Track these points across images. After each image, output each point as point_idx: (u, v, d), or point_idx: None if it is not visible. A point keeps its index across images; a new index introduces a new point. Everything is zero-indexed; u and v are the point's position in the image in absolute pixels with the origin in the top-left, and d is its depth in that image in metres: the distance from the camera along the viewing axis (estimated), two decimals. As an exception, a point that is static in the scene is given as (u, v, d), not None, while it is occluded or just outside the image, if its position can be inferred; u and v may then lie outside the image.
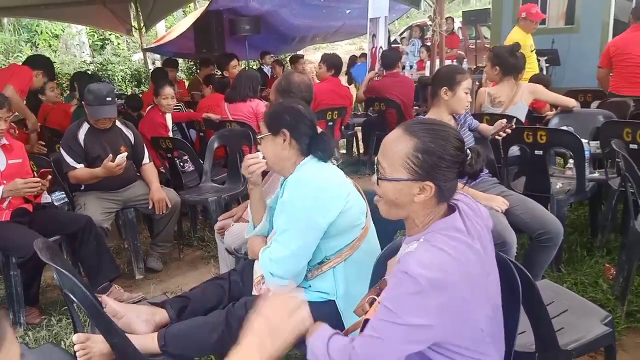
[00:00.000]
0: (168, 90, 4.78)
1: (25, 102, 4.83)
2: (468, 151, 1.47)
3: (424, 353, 1.46)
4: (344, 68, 8.70)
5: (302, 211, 2.00)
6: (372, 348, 1.42)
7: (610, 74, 5.11)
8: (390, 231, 2.29)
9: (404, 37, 13.07)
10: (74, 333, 2.12)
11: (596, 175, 3.60)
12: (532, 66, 5.49)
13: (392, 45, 10.60)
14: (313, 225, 2.00)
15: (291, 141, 2.12)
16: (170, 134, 4.92)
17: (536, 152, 3.33)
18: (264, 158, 2.21)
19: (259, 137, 2.19)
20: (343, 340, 1.51)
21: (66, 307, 2.53)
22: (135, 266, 3.91)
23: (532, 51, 5.49)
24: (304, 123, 2.15)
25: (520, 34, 5.42)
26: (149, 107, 5.07)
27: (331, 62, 5.74)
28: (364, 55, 9.33)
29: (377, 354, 1.42)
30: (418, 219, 1.50)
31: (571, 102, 4.16)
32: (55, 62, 13.50)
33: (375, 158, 1.53)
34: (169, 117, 4.94)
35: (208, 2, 7.68)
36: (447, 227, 1.44)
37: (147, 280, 3.87)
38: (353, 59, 10.75)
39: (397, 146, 1.46)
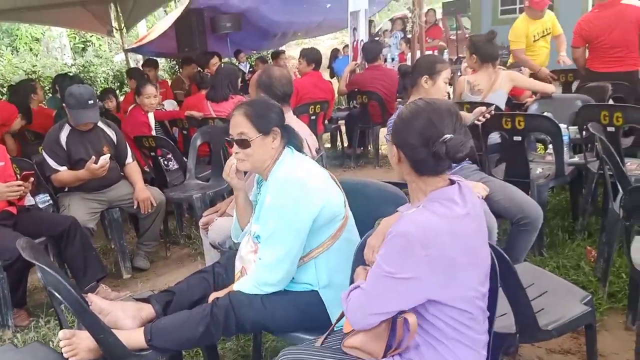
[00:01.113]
0: (150, 89, 4.77)
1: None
2: (445, 134, 1.50)
3: (420, 314, 1.52)
4: (327, 62, 8.67)
5: (293, 212, 1.98)
6: (360, 299, 1.54)
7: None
8: (369, 220, 2.31)
9: (386, 30, 13.07)
10: (61, 331, 2.12)
11: (575, 159, 3.64)
12: (535, 56, 5.35)
13: (374, 38, 10.60)
14: (303, 224, 1.99)
15: (281, 139, 2.12)
16: (154, 133, 4.90)
17: (515, 138, 3.36)
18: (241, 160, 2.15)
19: (250, 140, 2.06)
20: (353, 292, 1.61)
21: (53, 308, 2.53)
22: (122, 265, 3.91)
23: (535, 40, 5.34)
24: (283, 117, 2.17)
25: (523, 21, 5.35)
26: (131, 106, 5.05)
27: (310, 57, 5.74)
28: (347, 47, 9.31)
29: (365, 305, 1.53)
30: (410, 187, 1.63)
31: (549, 88, 4.20)
32: (36, 66, 13.49)
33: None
34: (151, 116, 4.92)
35: (188, 0, 7.65)
36: (442, 197, 1.53)
37: (134, 279, 3.87)
38: (335, 52, 10.72)
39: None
